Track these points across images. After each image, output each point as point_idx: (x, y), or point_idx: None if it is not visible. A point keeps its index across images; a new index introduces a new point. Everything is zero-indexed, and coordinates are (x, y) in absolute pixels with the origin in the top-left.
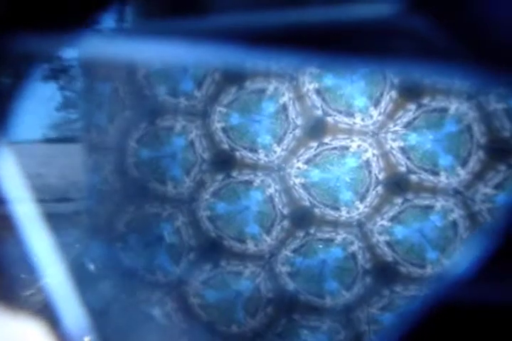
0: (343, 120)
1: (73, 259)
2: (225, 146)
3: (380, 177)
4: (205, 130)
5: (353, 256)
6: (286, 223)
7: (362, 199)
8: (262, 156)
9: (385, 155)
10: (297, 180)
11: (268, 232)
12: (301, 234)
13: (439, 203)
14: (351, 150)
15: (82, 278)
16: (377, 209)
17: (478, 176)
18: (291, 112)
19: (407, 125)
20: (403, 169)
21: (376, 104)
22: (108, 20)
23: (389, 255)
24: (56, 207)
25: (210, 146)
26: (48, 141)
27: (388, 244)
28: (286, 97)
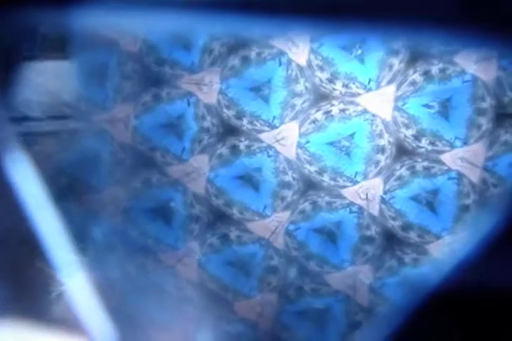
0: (349, 86)
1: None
2: (229, 115)
3: (386, 142)
4: (208, 99)
5: (361, 222)
6: (292, 191)
7: (369, 165)
8: (266, 125)
9: (390, 120)
10: (303, 147)
11: (275, 201)
12: (307, 201)
13: (448, 171)
14: (355, 115)
15: (90, 250)
16: (383, 176)
17: (488, 140)
18: (297, 81)
19: (417, 85)
20: (410, 133)
21: (384, 69)
22: None
23: (396, 221)
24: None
25: (214, 115)
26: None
27: (396, 210)
28: (292, 65)
